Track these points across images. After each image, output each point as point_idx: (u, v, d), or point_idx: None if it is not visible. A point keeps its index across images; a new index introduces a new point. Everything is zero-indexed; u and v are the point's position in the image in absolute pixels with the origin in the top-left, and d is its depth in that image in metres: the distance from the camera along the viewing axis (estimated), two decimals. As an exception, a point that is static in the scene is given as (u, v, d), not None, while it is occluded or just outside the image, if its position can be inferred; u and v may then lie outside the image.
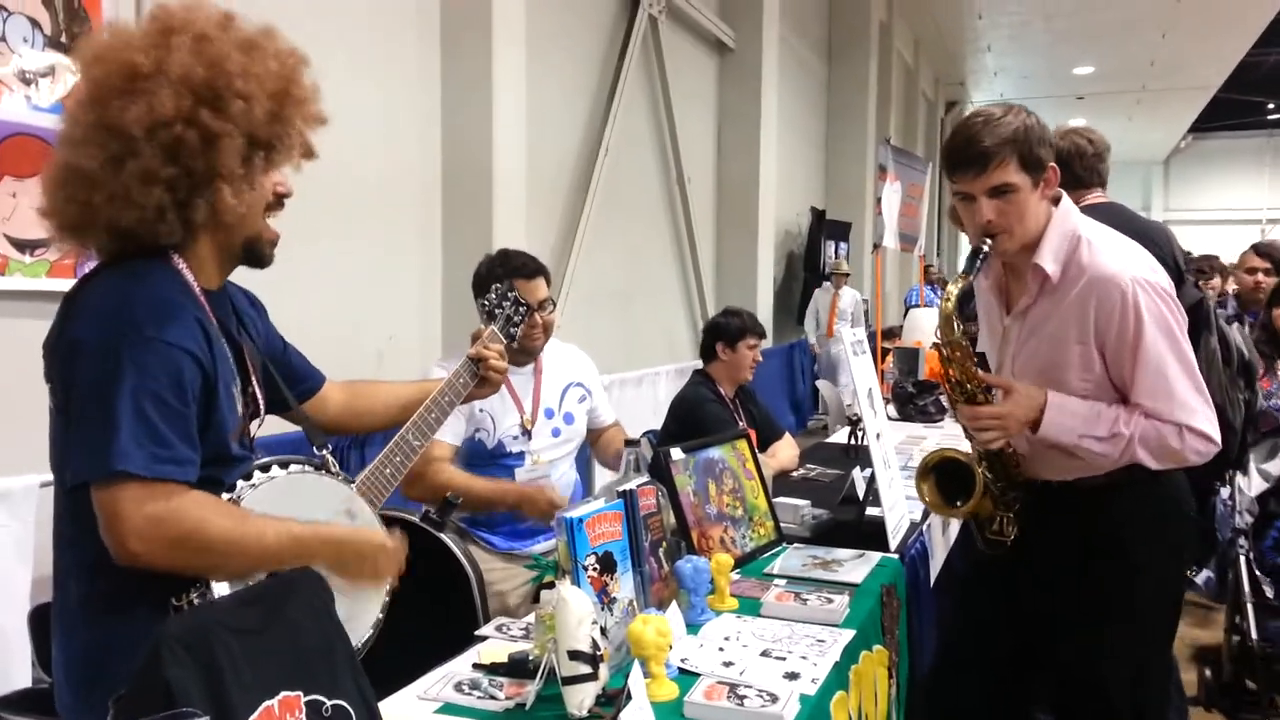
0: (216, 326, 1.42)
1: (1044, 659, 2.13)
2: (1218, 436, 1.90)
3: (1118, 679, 2.00)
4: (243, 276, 1.56)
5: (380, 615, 1.60)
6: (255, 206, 1.43)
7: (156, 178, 1.31)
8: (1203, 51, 13.49)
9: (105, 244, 1.39)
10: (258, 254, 1.48)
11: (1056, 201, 1.98)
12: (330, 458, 1.58)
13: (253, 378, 1.53)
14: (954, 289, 1.95)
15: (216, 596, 1.34)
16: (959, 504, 2.05)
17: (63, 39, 2.71)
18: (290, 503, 1.45)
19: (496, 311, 1.95)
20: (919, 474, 2.10)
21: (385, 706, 1.41)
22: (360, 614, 1.57)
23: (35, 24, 2.66)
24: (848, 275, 9.16)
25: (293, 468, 1.50)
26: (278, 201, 1.47)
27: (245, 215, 1.41)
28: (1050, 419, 1.90)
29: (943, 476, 2.06)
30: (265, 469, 1.46)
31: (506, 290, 1.98)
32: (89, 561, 1.33)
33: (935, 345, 2.00)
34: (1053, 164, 1.92)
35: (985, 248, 1.90)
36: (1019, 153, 1.84)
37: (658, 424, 3.79)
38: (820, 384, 7.83)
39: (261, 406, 1.56)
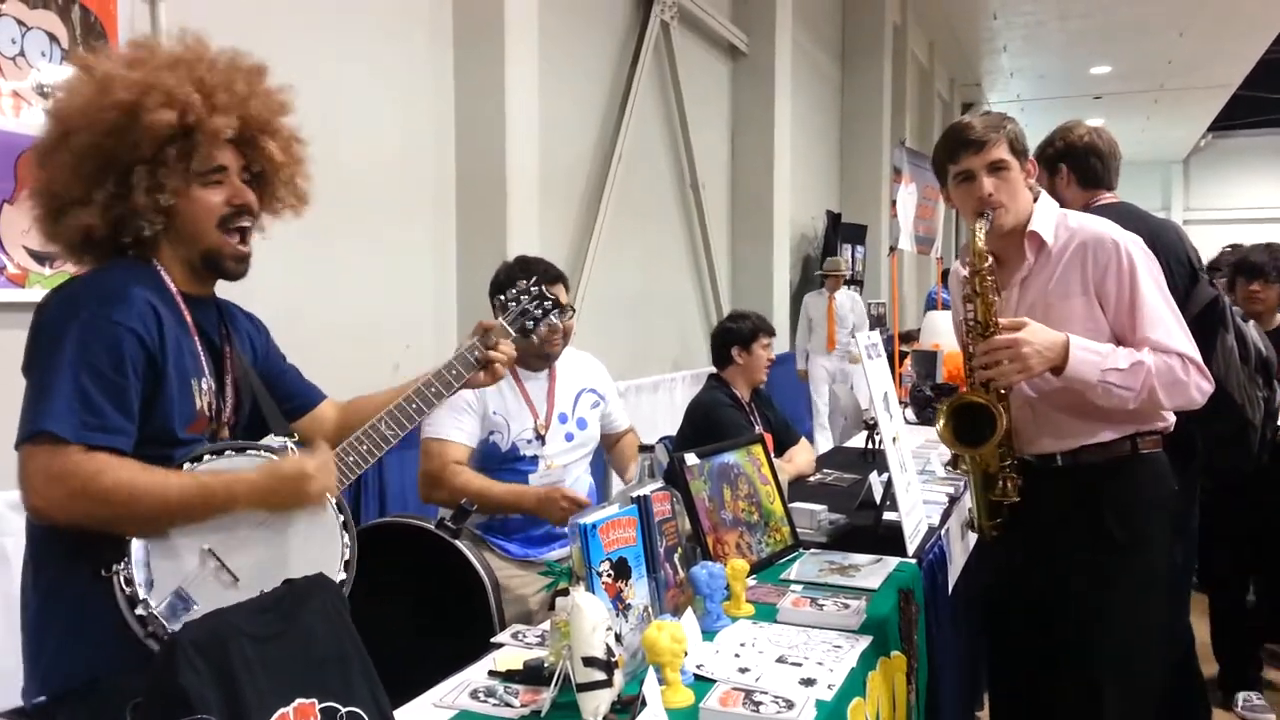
0: (190, 325, 1.51)
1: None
2: (1209, 375, 2.04)
3: (1130, 650, 2.09)
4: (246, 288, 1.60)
5: (346, 550, 1.57)
6: (192, 221, 1.52)
7: (90, 175, 1.47)
8: (1221, 50, 13.38)
9: (90, 250, 1.53)
10: (218, 267, 1.57)
11: (1036, 198, 2.16)
12: (292, 446, 1.58)
13: (228, 380, 1.59)
14: (980, 227, 2.05)
15: (136, 576, 1.36)
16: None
17: (80, 52, 2.73)
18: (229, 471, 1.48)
19: (511, 305, 1.83)
20: (939, 414, 2.10)
21: (400, 714, 1.42)
22: (324, 556, 1.54)
23: (53, 38, 2.69)
24: (843, 276, 8.19)
25: (250, 451, 1.52)
26: (236, 212, 1.54)
27: (183, 231, 1.52)
28: (1075, 355, 1.96)
29: (961, 425, 2.07)
30: (218, 452, 1.48)
31: (530, 286, 1.85)
32: (36, 533, 1.45)
33: (964, 278, 2.10)
34: (1031, 158, 2.15)
35: (989, 213, 2.05)
36: (1008, 138, 2.08)
37: (673, 430, 3.79)
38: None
39: (227, 409, 1.59)
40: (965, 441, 2.07)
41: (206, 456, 1.47)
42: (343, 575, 1.56)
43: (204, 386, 1.53)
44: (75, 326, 1.39)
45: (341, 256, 3.81)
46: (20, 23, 2.60)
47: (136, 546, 1.37)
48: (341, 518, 1.58)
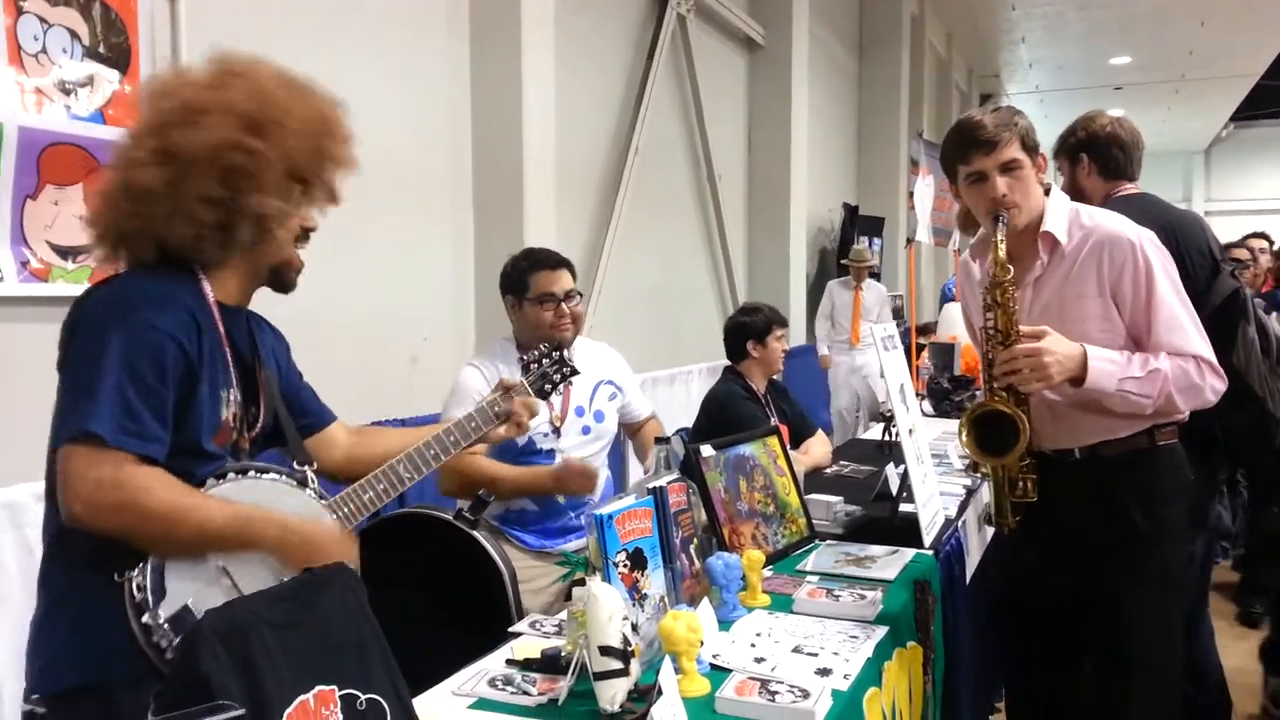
0: (222, 335, 1.52)
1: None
2: (1224, 374, 2.04)
3: (1149, 641, 2.10)
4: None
5: None
6: (284, 239, 1.58)
7: (209, 198, 1.45)
8: (1243, 39, 13.22)
9: (149, 255, 1.51)
10: (283, 279, 1.63)
11: (1047, 192, 2.14)
12: (311, 475, 1.61)
13: (260, 396, 1.61)
14: (1001, 235, 2.03)
15: (147, 582, 1.37)
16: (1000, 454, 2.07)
17: (100, 49, 2.76)
18: (254, 501, 1.48)
19: (534, 366, 1.96)
20: (962, 424, 2.10)
21: (419, 702, 1.43)
22: None
23: (74, 35, 2.71)
24: (872, 267, 7.97)
25: (271, 475, 1.53)
26: (304, 235, 1.62)
27: (273, 246, 1.57)
28: (1094, 366, 1.97)
29: (982, 433, 2.07)
30: (243, 471, 1.49)
31: (550, 350, 1.99)
32: (54, 529, 1.45)
33: (985, 289, 2.07)
34: (1042, 152, 2.12)
35: (1003, 215, 2.03)
36: (1019, 136, 2.05)
37: (690, 422, 3.79)
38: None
39: (260, 424, 1.61)
40: (988, 450, 2.06)
41: (231, 475, 1.48)
42: None
43: (231, 397, 1.53)
44: (121, 330, 1.39)
45: (359, 251, 3.83)
46: (42, 20, 2.63)
47: (153, 555, 1.38)
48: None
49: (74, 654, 1.41)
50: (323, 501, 1.60)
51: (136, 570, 1.36)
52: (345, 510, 1.63)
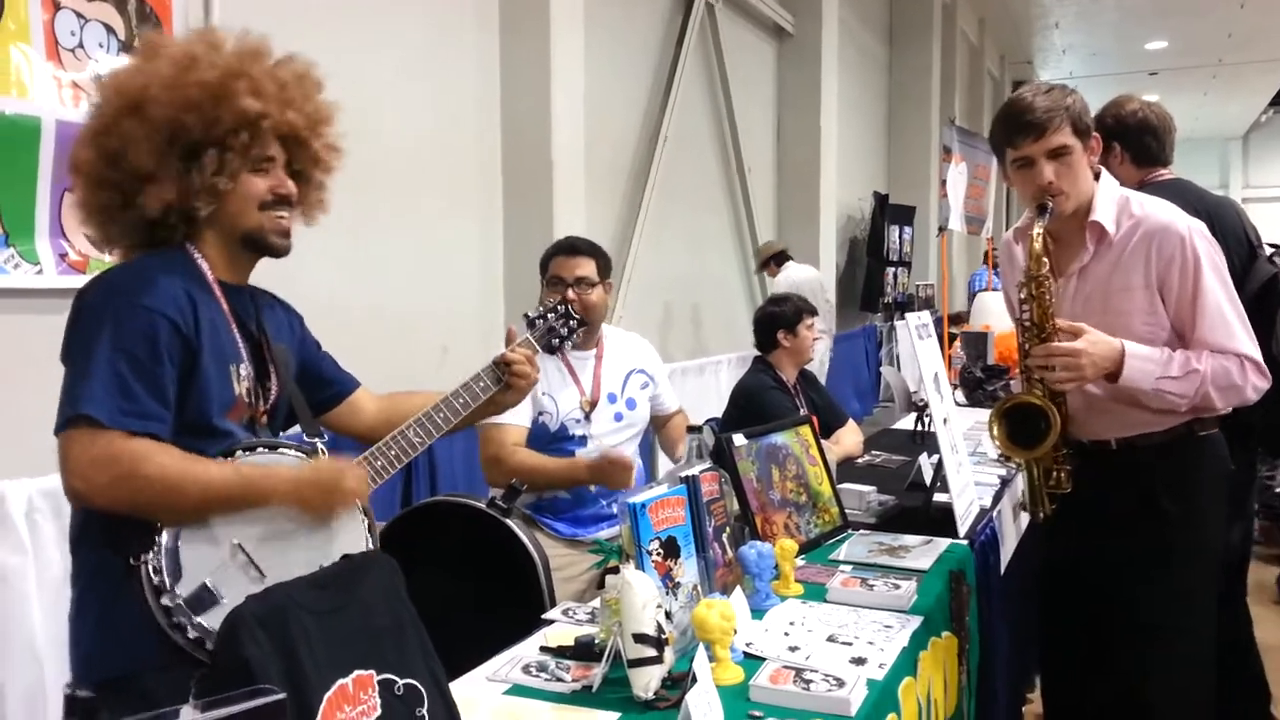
0: (226, 310, 1.54)
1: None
2: (1268, 373, 2.01)
3: (1183, 629, 2.08)
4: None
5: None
6: (238, 205, 1.55)
7: (102, 181, 1.50)
8: (1283, 22, 12.98)
9: (122, 241, 1.57)
10: (263, 245, 1.60)
11: (1097, 176, 2.08)
12: (323, 447, 1.60)
13: (270, 370, 1.61)
14: (1040, 228, 1.99)
15: (163, 565, 1.37)
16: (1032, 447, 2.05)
17: (136, 43, 2.79)
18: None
19: (539, 321, 1.91)
20: (992, 417, 2.08)
21: (455, 687, 1.43)
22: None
23: (110, 29, 2.74)
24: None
25: (281, 450, 1.53)
26: (278, 201, 1.58)
27: (227, 213, 1.55)
28: (1130, 364, 1.94)
29: (1014, 425, 2.05)
30: (251, 448, 1.49)
31: (558, 303, 1.96)
32: (77, 522, 1.48)
33: (1020, 283, 2.04)
34: (1096, 133, 2.06)
35: (1049, 204, 1.99)
36: (1070, 119, 1.99)
37: (719, 412, 3.79)
38: (885, 370, 7.73)
39: (274, 398, 1.61)
40: (1019, 443, 2.04)
41: (240, 452, 1.48)
42: None
43: (242, 373, 1.54)
44: (110, 313, 1.41)
45: (388, 241, 3.85)
46: (79, 15, 2.66)
47: (166, 536, 1.38)
48: (366, 521, 1.60)
49: (107, 644, 1.43)
50: None
51: (150, 553, 1.37)
52: None
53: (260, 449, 1.51)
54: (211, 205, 1.53)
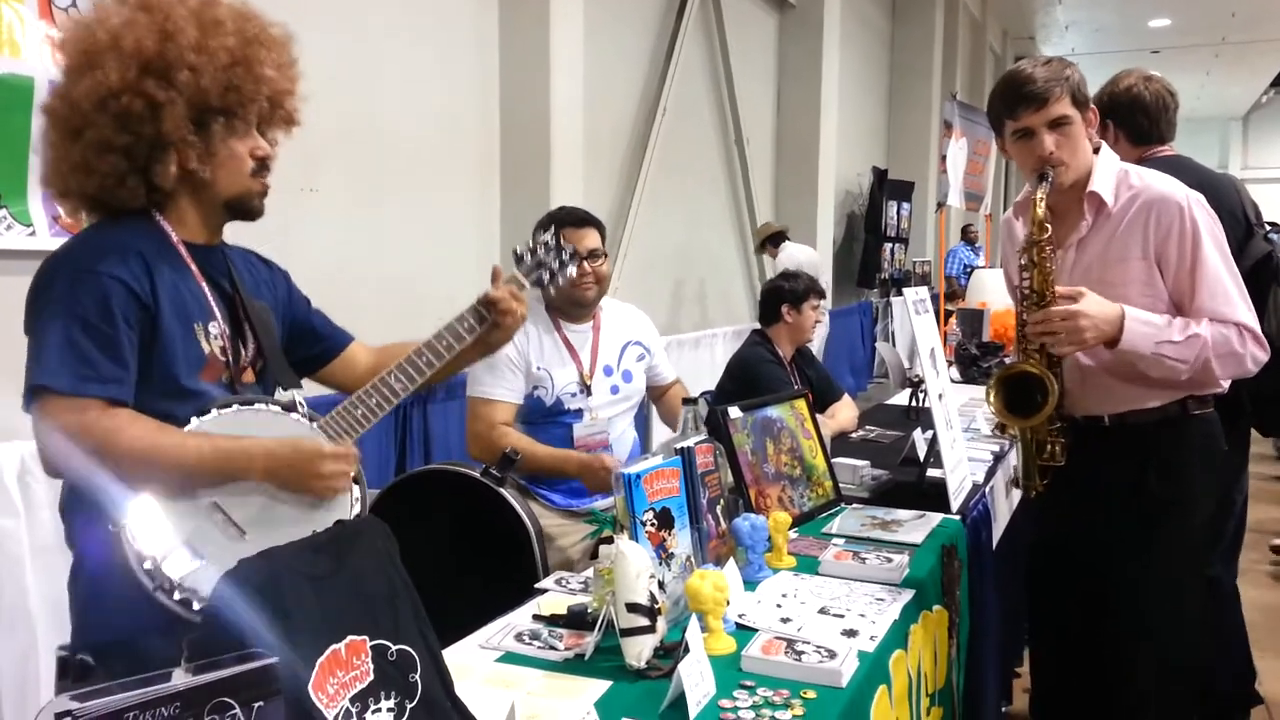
0: (194, 272, 1.52)
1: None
2: (1266, 344, 2.00)
3: (1170, 609, 2.09)
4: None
5: (356, 504, 1.59)
6: (229, 170, 1.52)
7: (111, 146, 1.43)
8: (1289, 0, 12.88)
9: (87, 207, 1.53)
10: (245, 209, 1.57)
11: (1096, 150, 2.08)
12: (299, 398, 1.57)
13: (247, 328, 1.59)
14: (1042, 194, 1.99)
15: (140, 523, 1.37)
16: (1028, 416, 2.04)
17: None
18: (237, 432, 1.47)
19: (527, 256, 1.79)
20: (991, 385, 2.08)
21: (448, 655, 1.44)
22: (331, 512, 1.55)
23: None
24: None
25: (257, 405, 1.52)
26: (260, 165, 1.56)
27: (218, 178, 1.52)
28: (1130, 328, 1.93)
29: (1012, 395, 2.05)
30: (226, 405, 1.48)
31: (549, 239, 1.81)
32: (64, 491, 1.49)
33: (1022, 248, 2.03)
34: (1092, 106, 2.06)
35: (1049, 173, 1.99)
36: (1070, 89, 1.99)
37: (714, 385, 3.79)
38: (880, 346, 7.74)
39: (247, 353, 1.59)
40: (1017, 412, 2.04)
41: (213, 411, 1.46)
42: None
43: (213, 331, 1.52)
44: (61, 282, 1.40)
45: (387, 215, 3.83)
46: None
47: (144, 500, 1.38)
48: (358, 488, 1.60)
49: (104, 608, 1.43)
50: (313, 423, 1.57)
51: (128, 518, 1.37)
52: (338, 427, 1.58)
53: (235, 405, 1.49)
54: (208, 172, 1.50)
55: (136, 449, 1.38)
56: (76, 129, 1.45)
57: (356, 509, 1.59)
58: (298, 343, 1.74)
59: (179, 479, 1.41)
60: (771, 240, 7.05)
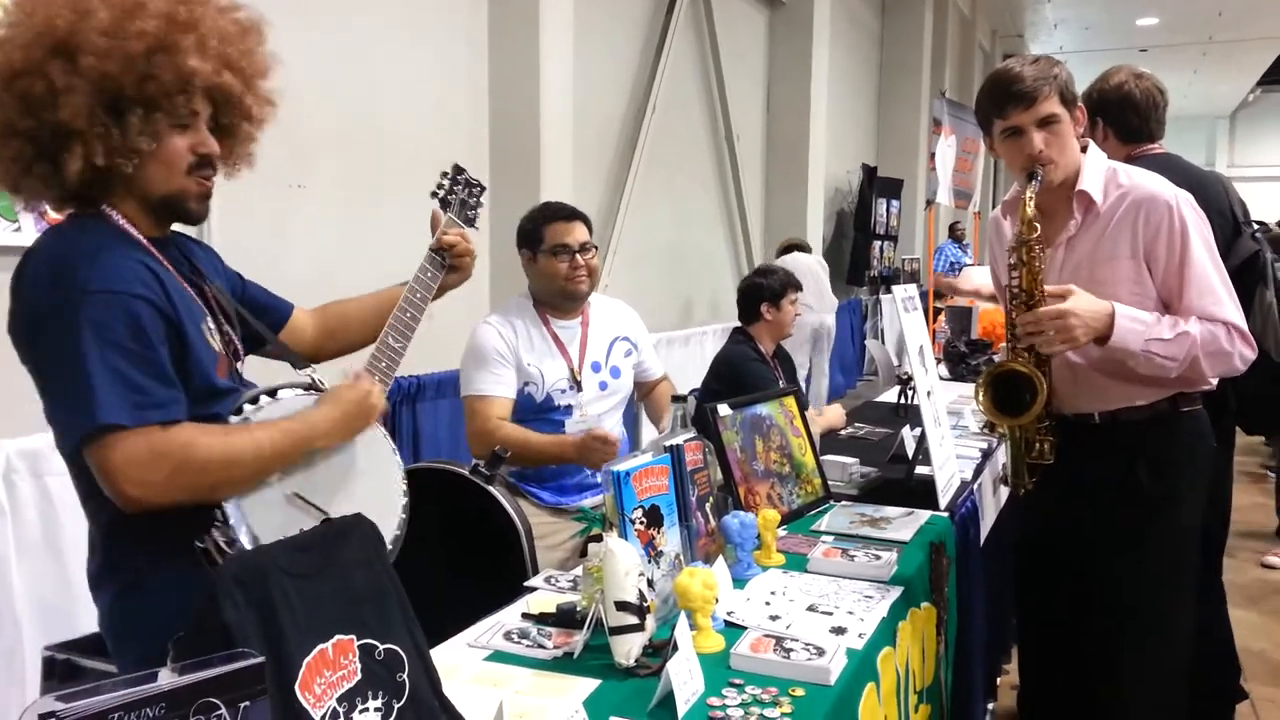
0: (169, 269, 1.44)
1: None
2: (1254, 342, 2.01)
3: (1158, 606, 2.10)
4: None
5: (399, 469, 1.65)
6: (159, 165, 1.40)
7: (15, 130, 1.33)
8: (1276, 0, 12.93)
9: (32, 196, 1.42)
10: (180, 210, 1.46)
11: (1084, 149, 2.09)
12: (316, 378, 1.57)
13: (221, 316, 1.54)
14: (1030, 194, 2.00)
15: (240, 536, 1.36)
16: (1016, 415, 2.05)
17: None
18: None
19: (450, 197, 1.84)
20: (980, 385, 2.09)
21: (436, 653, 1.44)
22: (390, 479, 1.62)
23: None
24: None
25: (282, 393, 1.51)
26: (202, 161, 1.44)
27: (146, 175, 1.40)
28: (1120, 324, 1.93)
29: (1000, 394, 2.06)
30: (254, 400, 1.47)
31: (455, 174, 1.86)
32: (103, 520, 1.40)
33: (1011, 248, 2.04)
34: (1080, 104, 2.07)
35: (1038, 172, 2.00)
36: (1058, 88, 2.00)
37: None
38: (870, 344, 7.76)
39: (239, 345, 1.57)
40: (1005, 411, 2.04)
41: (246, 407, 1.45)
42: (405, 498, 1.62)
43: (210, 326, 1.49)
44: (84, 309, 1.29)
45: (375, 210, 3.82)
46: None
47: (230, 508, 1.37)
48: (383, 430, 1.64)
49: (172, 627, 1.38)
50: None
51: (214, 530, 1.34)
52: None
53: (263, 397, 1.48)
54: (132, 165, 1.38)
55: (215, 456, 1.34)
56: None
57: (398, 461, 1.65)
58: (245, 320, 1.66)
59: (257, 474, 1.39)
60: (785, 250, 7.09)
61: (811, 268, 6.87)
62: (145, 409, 1.30)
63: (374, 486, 1.58)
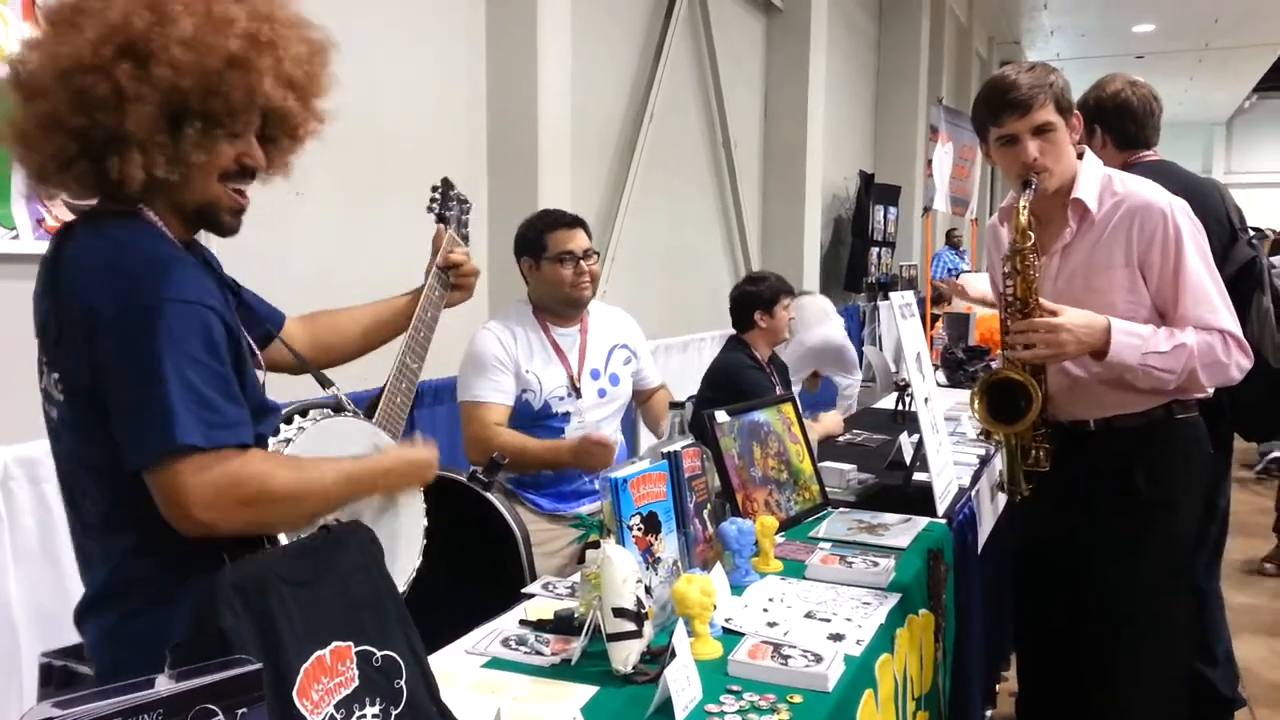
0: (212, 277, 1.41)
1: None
2: (1250, 350, 2.01)
3: (1155, 613, 2.10)
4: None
5: (423, 545, 1.67)
6: (202, 174, 1.33)
7: (61, 125, 1.24)
8: (1272, 5, 12.95)
9: (67, 193, 1.35)
10: (213, 221, 1.39)
11: (1080, 155, 2.09)
12: (343, 396, 1.57)
13: (240, 328, 1.47)
14: (1025, 202, 2.00)
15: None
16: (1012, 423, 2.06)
17: None
18: (327, 448, 1.45)
19: (447, 213, 1.87)
20: (975, 393, 2.09)
21: (434, 660, 1.44)
22: (406, 546, 1.63)
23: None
24: None
25: (314, 414, 1.50)
26: (242, 172, 1.37)
27: (186, 183, 1.32)
28: (1117, 339, 1.94)
29: (995, 401, 2.06)
30: (288, 420, 1.46)
31: (445, 188, 1.89)
32: (131, 538, 1.32)
33: (1006, 256, 2.04)
34: (1076, 112, 2.07)
35: (1033, 180, 2.00)
36: (1054, 96, 2.00)
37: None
38: (867, 350, 7.76)
39: (259, 353, 1.51)
40: (1001, 419, 2.05)
41: (282, 427, 1.43)
42: (425, 540, 1.67)
43: (246, 339, 1.44)
44: (160, 319, 1.21)
45: (373, 214, 3.82)
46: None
47: (283, 540, 1.35)
48: None
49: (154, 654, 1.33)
50: (367, 419, 1.60)
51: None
52: (391, 422, 1.63)
53: (296, 419, 1.46)
54: (177, 175, 1.30)
55: (290, 492, 1.31)
56: (27, 94, 1.25)
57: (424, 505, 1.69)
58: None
59: (319, 513, 1.34)
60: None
61: (823, 306, 6.77)
62: (218, 429, 1.24)
63: (404, 531, 1.62)
